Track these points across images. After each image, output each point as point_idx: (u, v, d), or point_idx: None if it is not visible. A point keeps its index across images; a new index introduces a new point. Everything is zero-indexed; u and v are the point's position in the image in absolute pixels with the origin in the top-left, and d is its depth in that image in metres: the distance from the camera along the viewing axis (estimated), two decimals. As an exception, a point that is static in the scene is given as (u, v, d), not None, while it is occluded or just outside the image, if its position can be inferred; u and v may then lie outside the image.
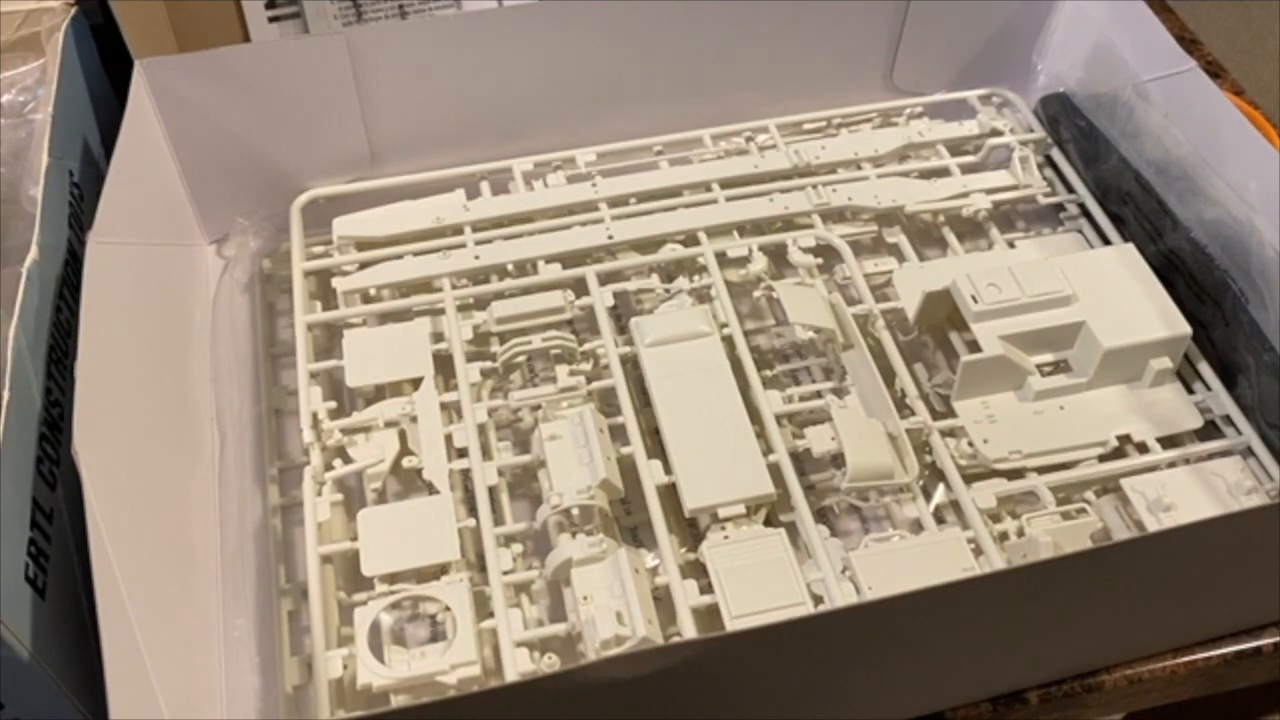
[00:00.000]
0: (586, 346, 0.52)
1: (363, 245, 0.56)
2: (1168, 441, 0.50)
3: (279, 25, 0.59)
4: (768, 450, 0.47)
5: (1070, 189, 0.60)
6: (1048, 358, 0.51)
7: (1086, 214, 0.59)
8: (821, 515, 0.48)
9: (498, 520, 0.46)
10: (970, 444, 0.49)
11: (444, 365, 0.51)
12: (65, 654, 0.37)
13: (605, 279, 0.55)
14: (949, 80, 0.65)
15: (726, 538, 0.45)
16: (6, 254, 0.44)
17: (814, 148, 0.60)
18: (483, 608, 0.43)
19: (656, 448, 0.48)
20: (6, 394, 0.37)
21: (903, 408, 0.50)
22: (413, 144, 0.59)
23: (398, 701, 0.41)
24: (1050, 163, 0.62)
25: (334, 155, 0.58)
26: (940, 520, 0.48)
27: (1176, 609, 0.44)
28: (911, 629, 0.37)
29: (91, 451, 0.36)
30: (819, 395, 0.50)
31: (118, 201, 0.46)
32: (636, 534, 0.48)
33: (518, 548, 0.45)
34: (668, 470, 0.47)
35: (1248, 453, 0.49)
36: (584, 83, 0.59)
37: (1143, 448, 0.50)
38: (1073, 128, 0.61)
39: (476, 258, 0.55)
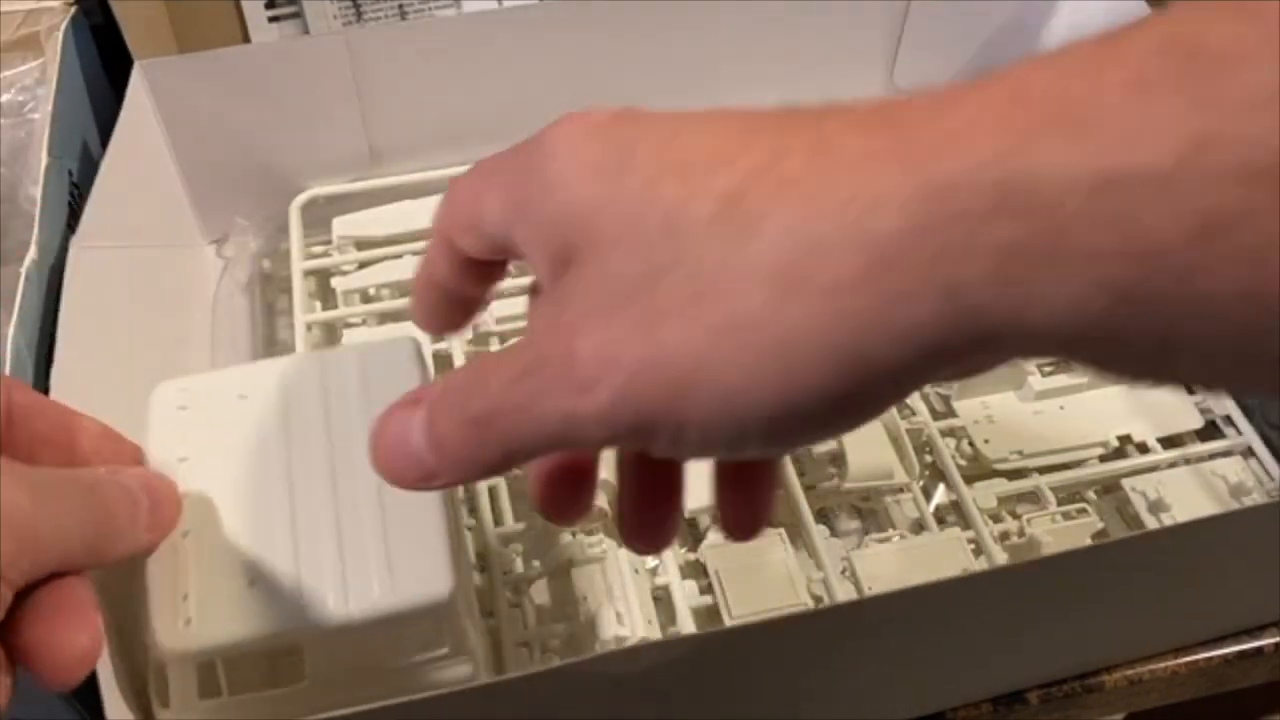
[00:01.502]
0: (586, 346, 0.52)
1: (362, 245, 0.56)
2: (1168, 441, 0.50)
3: (279, 25, 0.59)
4: (768, 450, 0.47)
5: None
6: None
7: (1087, 214, 0.59)
8: (822, 515, 0.48)
9: (497, 520, 0.46)
10: (971, 444, 0.49)
11: (444, 365, 0.51)
12: (64, 654, 0.37)
13: (605, 279, 0.54)
14: (950, 79, 0.65)
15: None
16: (5, 254, 0.44)
17: (814, 147, 0.60)
18: (483, 607, 0.43)
19: (656, 447, 0.48)
20: (5, 394, 0.37)
21: (903, 407, 0.50)
22: (413, 144, 0.59)
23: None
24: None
25: (334, 155, 0.58)
26: (941, 520, 0.47)
27: (1177, 608, 0.43)
28: (911, 628, 0.37)
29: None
30: (819, 395, 0.50)
31: (106, 206, 0.45)
32: (636, 534, 0.48)
33: (518, 547, 0.45)
34: (668, 470, 0.46)
35: (1248, 453, 0.49)
36: (584, 83, 0.59)
37: (1143, 448, 0.49)
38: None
39: (476, 257, 0.55)
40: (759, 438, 0.20)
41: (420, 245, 0.56)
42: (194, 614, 0.30)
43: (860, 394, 0.19)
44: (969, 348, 0.19)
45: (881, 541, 0.46)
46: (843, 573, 0.44)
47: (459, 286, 0.27)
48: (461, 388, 0.23)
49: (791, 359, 0.19)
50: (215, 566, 0.31)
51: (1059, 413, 0.50)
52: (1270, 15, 0.16)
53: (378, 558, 0.30)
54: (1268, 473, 0.48)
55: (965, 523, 0.46)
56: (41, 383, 0.41)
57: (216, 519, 0.32)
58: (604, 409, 0.20)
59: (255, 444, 0.33)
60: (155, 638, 0.30)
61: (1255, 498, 0.47)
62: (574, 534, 0.45)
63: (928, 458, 0.49)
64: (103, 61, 0.55)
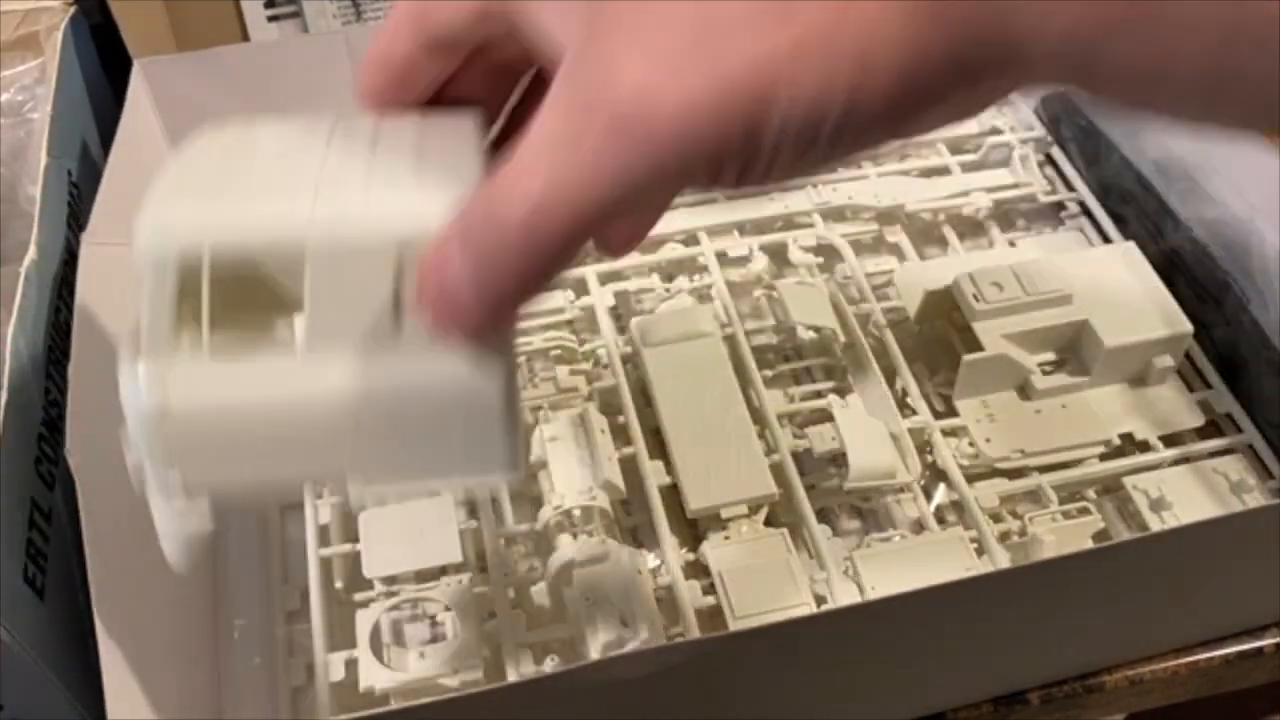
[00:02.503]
0: (587, 346, 0.52)
1: (362, 245, 0.56)
2: (1169, 440, 0.49)
3: (278, 25, 0.59)
4: (770, 450, 0.47)
5: (1070, 187, 0.60)
6: (1049, 356, 0.51)
7: (1087, 213, 0.59)
8: (823, 515, 0.48)
9: (499, 521, 0.46)
10: (972, 443, 0.49)
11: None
12: (65, 654, 0.37)
13: (605, 279, 0.54)
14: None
15: (728, 538, 0.45)
16: (5, 254, 0.44)
17: (814, 147, 0.60)
18: (484, 609, 0.43)
19: (658, 448, 0.48)
20: (5, 394, 0.37)
21: (904, 407, 0.49)
22: (412, 143, 0.59)
23: (399, 703, 0.41)
24: (1050, 161, 0.62)
25: (333, 155, 0.58)
26: (942, 520, 0.47)
27: (1177, 609, 0.43)
28: (912, 629, 0.37)
29: (86, 455, 0.36)
30: (820, 395, 0.50)
31: (113, 203, 0.45)
32: (638, 534, 0.48)
33: (519, 549, 0.45)
34: (669, 470, 0.46)
35: (1250, 451, 0.49)
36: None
37: (1144, 446, 0.49)
38: (1073, 126, 0.61)
39: (476, 257, 0.55)
40: (825, 144, 0.21)
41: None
42: (181, 212, 0.25)
43: (918, 96, 0.21)
44: (990, 68, 0.21)
45: (883, 541, 0.46)
46: (845, 573, 0.44)
47: (415, 71, 0.28)
48: (494, 202, 0.23)
49: (867, 61, 0.20)
50: (223, 171, 0.27)
51: (1060, 411, 0.50)
52: None
53: (406, 181, 0.26)
54: (1269, 471, 0.48)
55: (967, 522, 0.46)
56: (41, 382, 0.41)
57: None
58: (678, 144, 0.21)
59: (299, 129, 0.30)
60: (137, 230, 0.25)
61: (1257, 496, 0.47)
62: (575, 535, 0.45)
63: (929, 457, 0.49)
64: (102, 61, 0.55)
